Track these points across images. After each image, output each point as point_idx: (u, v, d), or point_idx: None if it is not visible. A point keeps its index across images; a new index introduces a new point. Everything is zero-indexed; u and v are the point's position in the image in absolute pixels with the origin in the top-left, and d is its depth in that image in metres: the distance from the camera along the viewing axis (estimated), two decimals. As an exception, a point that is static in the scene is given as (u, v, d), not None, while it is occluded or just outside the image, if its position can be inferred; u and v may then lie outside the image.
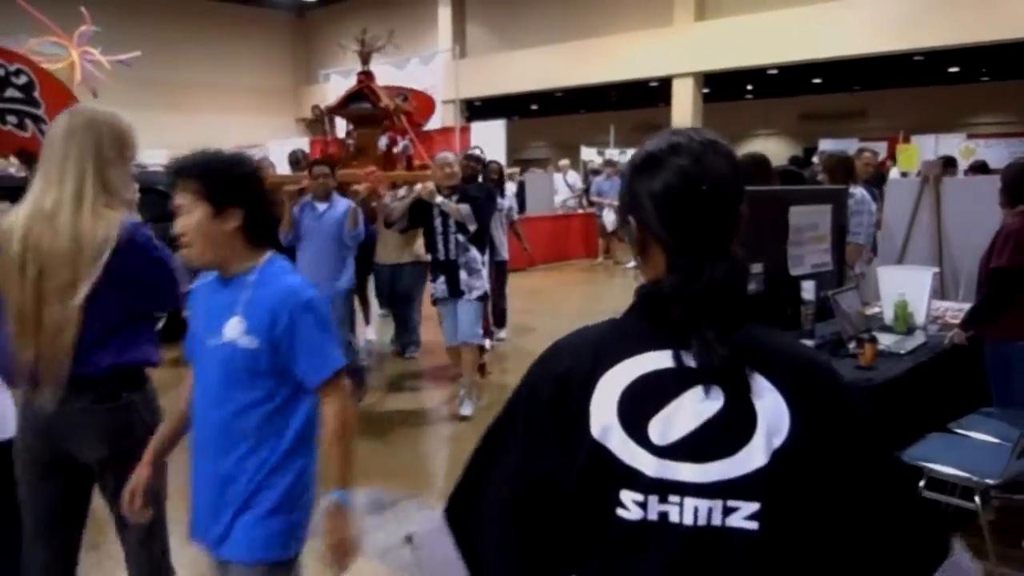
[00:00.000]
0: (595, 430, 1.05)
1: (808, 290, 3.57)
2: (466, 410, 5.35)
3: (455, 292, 5.16)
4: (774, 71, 17.75)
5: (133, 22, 18.63)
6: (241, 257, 1.91)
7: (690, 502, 1.02)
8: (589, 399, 1.07)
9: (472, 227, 5.07)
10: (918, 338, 3.70)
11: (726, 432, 1.03)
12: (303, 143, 11.26)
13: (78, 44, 12.67)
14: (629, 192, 1.16)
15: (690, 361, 1.05)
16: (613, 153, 16.72)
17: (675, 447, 1.03)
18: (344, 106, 7.00)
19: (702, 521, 1.02)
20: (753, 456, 1.02)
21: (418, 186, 5.36)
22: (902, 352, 3.47)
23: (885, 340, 3.54)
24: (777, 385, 1.05)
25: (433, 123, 12.69)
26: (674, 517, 1.02)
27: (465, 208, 5.03)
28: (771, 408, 1.04)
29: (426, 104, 7.76)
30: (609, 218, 13.26)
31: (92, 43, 12.87)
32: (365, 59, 6.97)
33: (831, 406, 1.08)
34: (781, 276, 3.65)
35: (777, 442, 1.03)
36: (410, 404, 5.90)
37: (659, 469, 1.02)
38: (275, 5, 23.76)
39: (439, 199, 5.07)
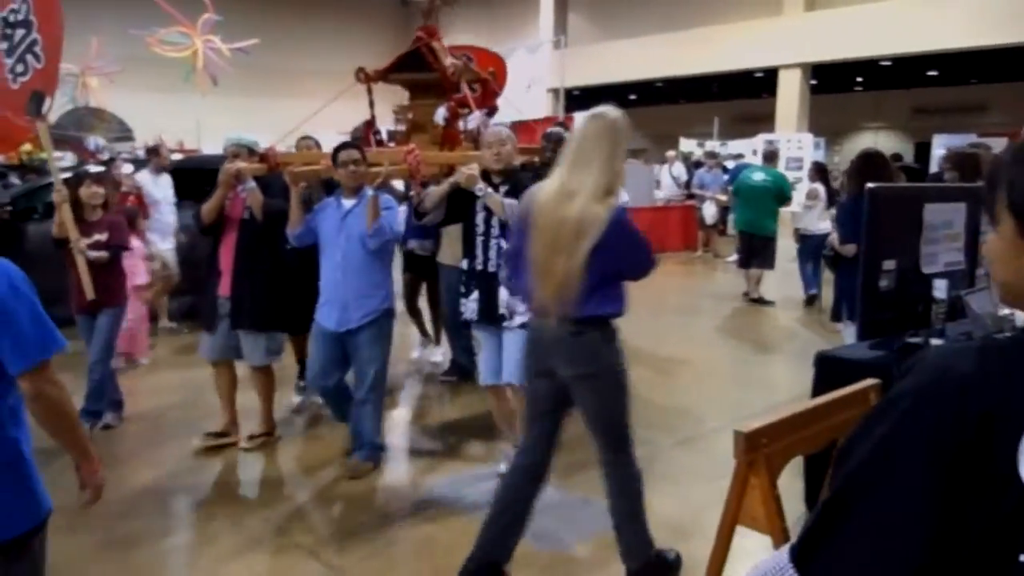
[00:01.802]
0: None
1: (940, 289, 3.51)
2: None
3: (491, 316, 3.94)
4: (887, 62, 17.13)
5: (248, 11, 19.37)
6: None
7: None
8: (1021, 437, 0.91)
9: None
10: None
11: None
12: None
13: (201, 33, 13.31)
14: (1012, 186, 0.97)
15: None
16: (715, 145, 16.47)
17: None
18: (395, 70, 5.18)
19: None
20: None
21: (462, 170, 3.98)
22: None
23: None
24: None
25: (536, 112, 12.82)
26: None
27: (512, 204, 3.70)
28: None
29: (498, 67, 6.05)
30: (709, 211, 13.09)
31: (213, 32, 13.50)
32: (428, 11, 5.32)
33: None
34: (913, 273, 3.60)
35: None
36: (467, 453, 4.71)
37: None
38: (381, -7, 24.25)
39: (481, 188, 3.85)
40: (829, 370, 3.33)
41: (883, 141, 23.53)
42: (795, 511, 3.10)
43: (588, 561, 3.45)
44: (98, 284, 4.62)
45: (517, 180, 3.92)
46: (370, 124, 5.33)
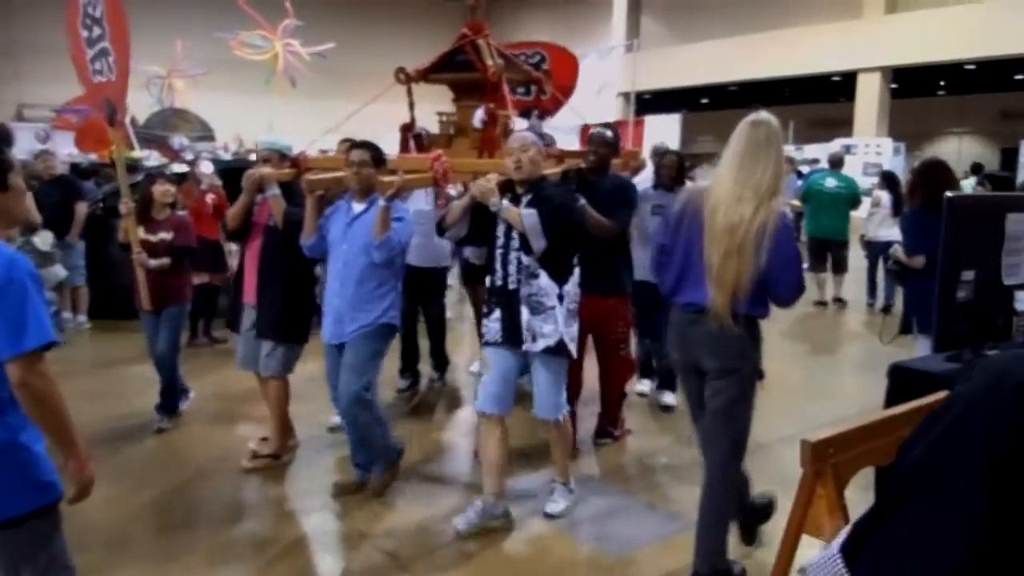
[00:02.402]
0: None
1: (1022, 301, 3.42)
2: (554, 507, 3.82)
3: (513, 337, 3.59)
4: (971, 66, 16.55)
5: (322, 14, 19.83)
6: None
7: None
8: None
9: (537, 245, 3.49)
10: None
11: None
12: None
13: (281, 37, 13.74)
14: None
15: None
16: (789, 149, 16.15)
17: None
18: (439, 69, 4.79)
19: None
20: None
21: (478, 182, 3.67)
22: None
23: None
24: None
25: (606, 116, 12.79)
26: None
27: (530, 215, 3.49)
28: None
29: (571, 67, 5.49)
30: (784, 217, 12.84)
31: (293, 36, 13.91)
32: (474, 6, 4.80)
33: None
34: (993, 285, 3.49)
35: None
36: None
37: None
38: (453, -2, 24.56)
39: (495, 202, 3.56)
40: (903, 382, 3.26)
41: (967, 147, 22.73)
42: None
43: (651, 564, 3.45)
44: (163, 284, 4.82)
45: (541, 189, 3.64)
46: (408, 127, 4.95)
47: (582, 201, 4.04)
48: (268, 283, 4.24)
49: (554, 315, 3.57)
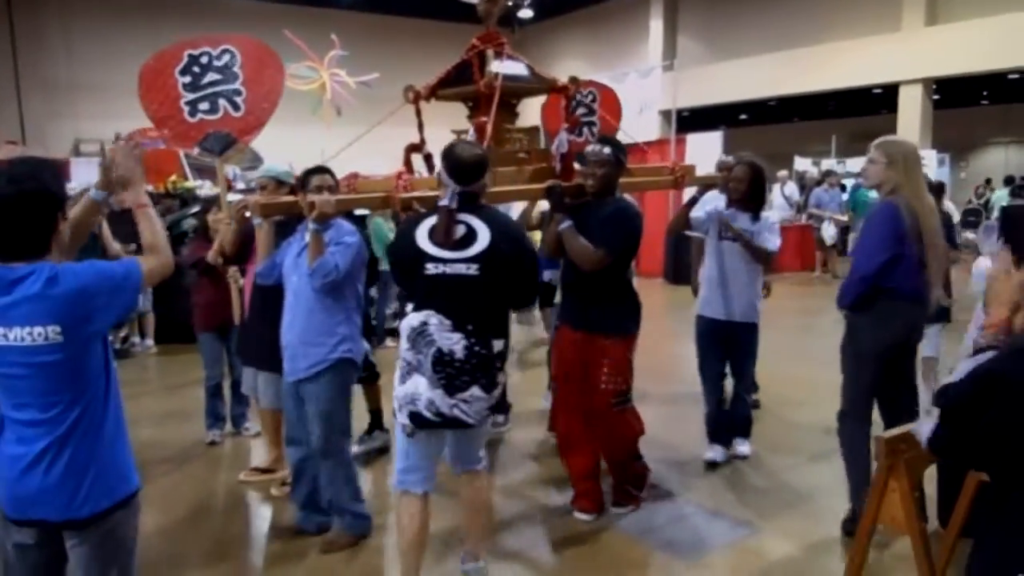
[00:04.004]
0: None
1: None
2: None
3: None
4: (1015, 75, 16.38)
5: (368, 43, 20.30)
6: None
7: None
8: None
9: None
10: None
11: None
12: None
13: (328, 67, 14.11)
14: None
15: None
16: (831, 163, 16.12)
17: None
18: (445, 84, 4.32)
19: None
20: None
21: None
22: None
23: None
24: None
25: (647, 135, 12.91)
26: None
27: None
28: None
29: (614, 104, 4.99)
30: (829, 231, 12.84)
31: (340, 66, 14.27)
32: (487, 15, 4.25)
33: None
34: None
35: None
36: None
37: None
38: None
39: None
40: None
41: (1014, 156, 22.42)
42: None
43: (723, 568, 3.56)
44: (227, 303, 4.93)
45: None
46: (416, 148, 4.37)
47: (567, 223, 3.76)
48: (257, 310, 4.20)
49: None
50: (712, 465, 4.66)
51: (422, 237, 3.00)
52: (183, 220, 8.55)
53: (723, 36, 18.79)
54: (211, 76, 3.90)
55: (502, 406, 5.42)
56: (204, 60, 3.92)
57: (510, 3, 19.01)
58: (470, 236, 2.95)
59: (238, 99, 3.91)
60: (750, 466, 4.69)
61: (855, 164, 16.52)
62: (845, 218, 12.80)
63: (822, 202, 13.08)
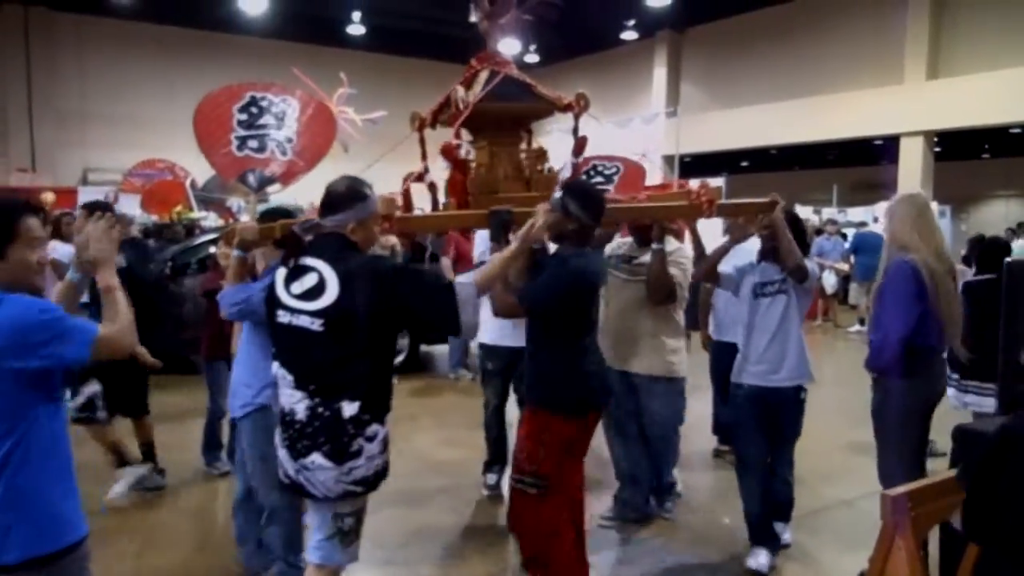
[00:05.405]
0: None
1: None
2: None
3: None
4: (1016, 130, 16.57)
5: (375, 80, 20.57)
6: None
7: None
8: None
9: None
10: None
11: None
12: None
13: (337, 105, 14.25)
14: None
15: None
16: (832, 212, 16.22)
17: None
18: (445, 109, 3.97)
19: None
20: None
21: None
22: None
23: None
24: None
25: (652, 180, 13.01)
26: None
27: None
28: None
29: (636, 177, 4.84)
30: (830, 280, 12.84)
31: (348, 104, 14.44)
32: (485, 33, 3.94)
33: None
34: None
35: None
36: None
37: None
38: (498, 66, 25.23)
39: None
40: (968, 442, 3.32)
41: (1015, 210, 22.55)
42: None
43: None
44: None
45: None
46: (419, 177, 4.00)
47: (497, 250, 3.10)
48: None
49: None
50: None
51: (280, 279, 2.68)
52: (190, 250, 8.59)
53: (726, 85, 19.02)
54: (266, 119, 3.96)
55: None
56: (264, 103, 3.98)
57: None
58: (320, 286, 2.55)
59: (288, 146, 3.98)
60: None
61: (856, 214, 16.63)
62: (846, 267, 12.83)
63: (824, 251, 13.11)
